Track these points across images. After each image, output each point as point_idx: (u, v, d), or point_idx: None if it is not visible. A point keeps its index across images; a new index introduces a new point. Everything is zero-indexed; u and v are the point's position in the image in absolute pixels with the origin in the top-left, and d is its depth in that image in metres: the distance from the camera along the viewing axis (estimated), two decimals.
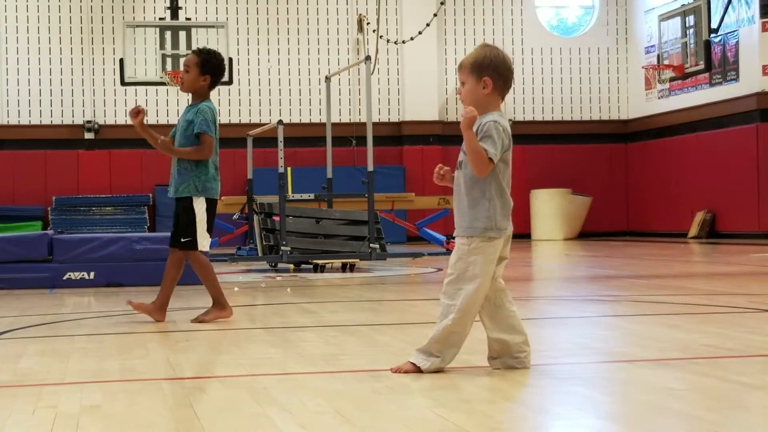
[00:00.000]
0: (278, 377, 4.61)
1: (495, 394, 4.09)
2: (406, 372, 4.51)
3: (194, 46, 24.23)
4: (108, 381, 4.58)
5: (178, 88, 7.08)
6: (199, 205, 6.92)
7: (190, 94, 7.11)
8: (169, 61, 24.39)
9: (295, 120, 23.90)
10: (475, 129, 4.53)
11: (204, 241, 6.96)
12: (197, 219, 6.92)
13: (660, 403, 3.83)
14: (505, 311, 4.62)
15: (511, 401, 4.01)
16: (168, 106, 24.04)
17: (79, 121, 23.81)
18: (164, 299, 7.06)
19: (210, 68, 7.02)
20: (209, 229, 7.03)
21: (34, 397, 4.14)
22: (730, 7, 21.76)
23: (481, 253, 4.54)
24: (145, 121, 6.89)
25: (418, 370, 4.52)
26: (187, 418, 3.70)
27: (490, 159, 4.48)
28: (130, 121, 6.96)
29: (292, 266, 13.57)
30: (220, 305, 6.97)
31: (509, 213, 4.62)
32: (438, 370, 4.53)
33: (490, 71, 4.62)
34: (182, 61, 24.49)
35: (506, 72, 4.67)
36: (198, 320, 6.90)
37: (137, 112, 6.85)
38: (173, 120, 23.98)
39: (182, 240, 6.96)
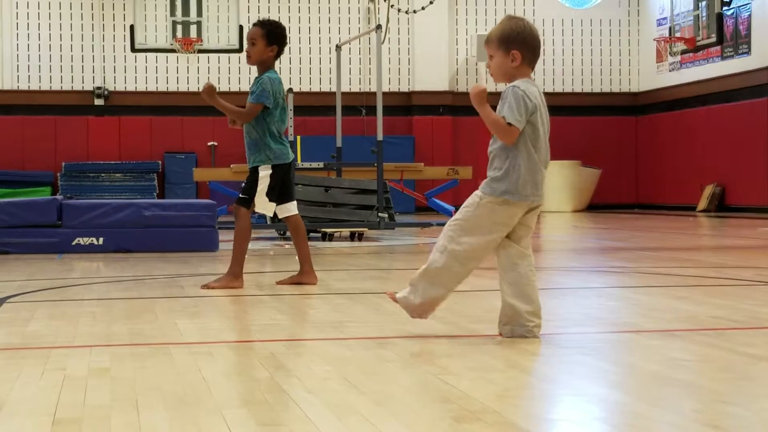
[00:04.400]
0: (286, 343, 4.63)
1: (502, 363, 4.10)
2: (391, 298, 4.68)
3: (205, 14, 24.24)
4: (116, 345, 4.60)
5: (246, 60, 7.24)
6: (265, 171, 7.01)
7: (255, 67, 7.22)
8: (179, 28, 24.39)
9: (305, 88, 23.87)
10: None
11: (262, 206, 7.07)
12: (259, 184, 7.02)
13: (667, 373, 3.83)
14: (524, 279, 4.58)
15: (518, 370, 4.02)
16: (178, 74, 24.01)
17: (89, 87, 23.80)
18: (304, 260, 7.18)
19: (276, 38, 7.12)
20: (284, 195, 7.11)
21: (43, 360, 4.16)
22: None
23: (490, 212, 4.53)
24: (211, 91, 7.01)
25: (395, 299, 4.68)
26: (195, 382, 3.71)
27: (510, 124, 4.46)
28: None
29: None
30: (234, 274, 6.98)
31: (537, 181, 4.55)
32: (408, 304, 4.63)
33: (518, 44, 4.59)
34: (193, 28, 24.43)
35: (534, 43, 4.63)
36: (207, 287, 6.92)
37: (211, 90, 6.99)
38: (183, 87, 23.98)
39: (240, 195, 7.08)
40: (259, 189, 7.03)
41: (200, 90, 7.15)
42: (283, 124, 7.16)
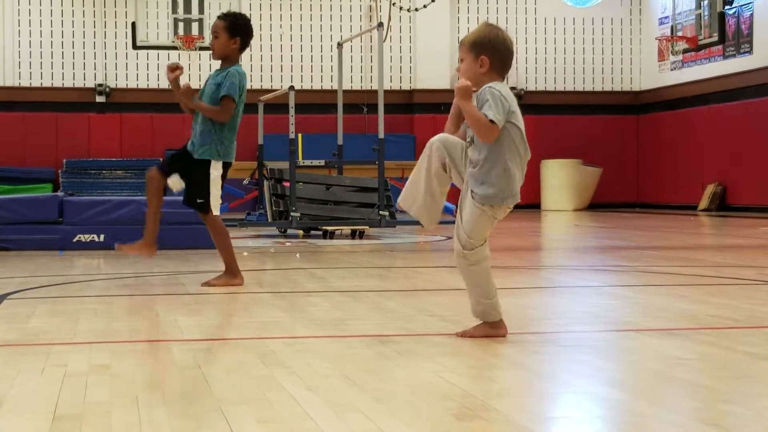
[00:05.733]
0: (286, 340, 4.63)
1: (502, 361, 4.10)
2: (471, 336, 4.56)
3: (206, 11, 24.22)
4: (117, 342, 4.60)
5: (203, 53, 7.16)
6: (216, 170, 6.92)
7: (220, 61, 7.13)
8: (181, 25, 24.40)
9: (307, 86, 23.86)
10: (474, 99, 4.56)
11: (216, 204, 6.96)
12: (211, 182, 6.91)
13: (667, 371, 3.83)
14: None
15: (518, 368, 4.02)
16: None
17: (90, 84, 23.80)
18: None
19: (238, 30, 7.01)
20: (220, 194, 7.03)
21: (43, 356, 4.16)
22: None
23: (491, 217, 4.55)
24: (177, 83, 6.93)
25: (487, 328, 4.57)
26: (195, 378, 3.72)
27: (492, 122, 4.47)
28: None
29: (301, 232, 13.58)
30: (231, 272, 6.96)
31: (522, 178, 4.62)
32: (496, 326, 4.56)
33: (488, 51, 4.60)
34: (195, 26, 24.43)
35: (505, 53, 4.64)
36: (208, 284, 6.91)
37: (174, 68, 6.89)
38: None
39: (198, 201, 6.95)
40: (213, 192, 6.90)
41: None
42: (239, 119, 7.04)
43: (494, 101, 4.49)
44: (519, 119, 4.59)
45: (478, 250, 4.55)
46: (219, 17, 7.10)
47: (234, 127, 6.99)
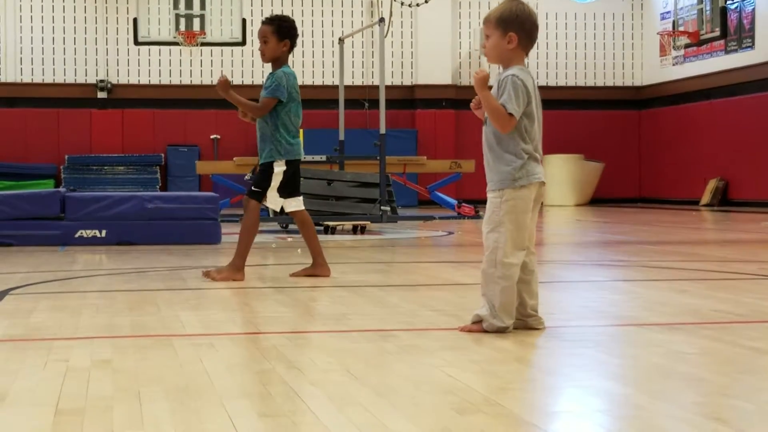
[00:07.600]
0: (288, 335, 4.63)
1: (504, 355, 4.09)
2: (470, 331, 4.54)
3: (208, 7, 24.22)
4: (119, 336, 4.60)
5: (260, 57, 7.29)
6: (279, 167, 7.05)
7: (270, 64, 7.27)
8: (182, 21, 24.39)
9: (308, 82, 23.84)
10: (495, 83, 4.55)
11: (273, 201, 7.11)
12: (273, 180, 7.05)
13: (670, 366, 3.83)
14: (533, 276, 4.64)
15: (520, 362, 4.02)
16: (181, 67, 23.99)
17: (92, 80, 23.79)
18: (317, 253, 7.18)
19: (286, 32, 7.18)
20: (293, 190, 7.14)
21: (46, 351, 4.17)
22: None
23: (514, 202, 4.53)
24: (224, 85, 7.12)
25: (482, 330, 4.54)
26: (196, 373, 3.71)
27: (510, 114, 4.47)
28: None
29: None
30: (235, 266, 6.99)
31: (538, 161, 4.60)
32: (500, 331, 4.52)
33: (516, 26, 4.60)
34: (196, 22, 24.40)
35: (531, 27, 4.64)
36: (208, 275, 6.92)
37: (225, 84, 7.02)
38: (185, 80, 23.96)
39: (253, 188, 7.09)
40: (272, 184, 7.05)
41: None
42: (298, 118, 7.20)
43: (515, 92, 4.48)
44: (536, 108, 4.57)
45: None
46: (265, 22, 7.24)
47: (288, 128, 7.12)
